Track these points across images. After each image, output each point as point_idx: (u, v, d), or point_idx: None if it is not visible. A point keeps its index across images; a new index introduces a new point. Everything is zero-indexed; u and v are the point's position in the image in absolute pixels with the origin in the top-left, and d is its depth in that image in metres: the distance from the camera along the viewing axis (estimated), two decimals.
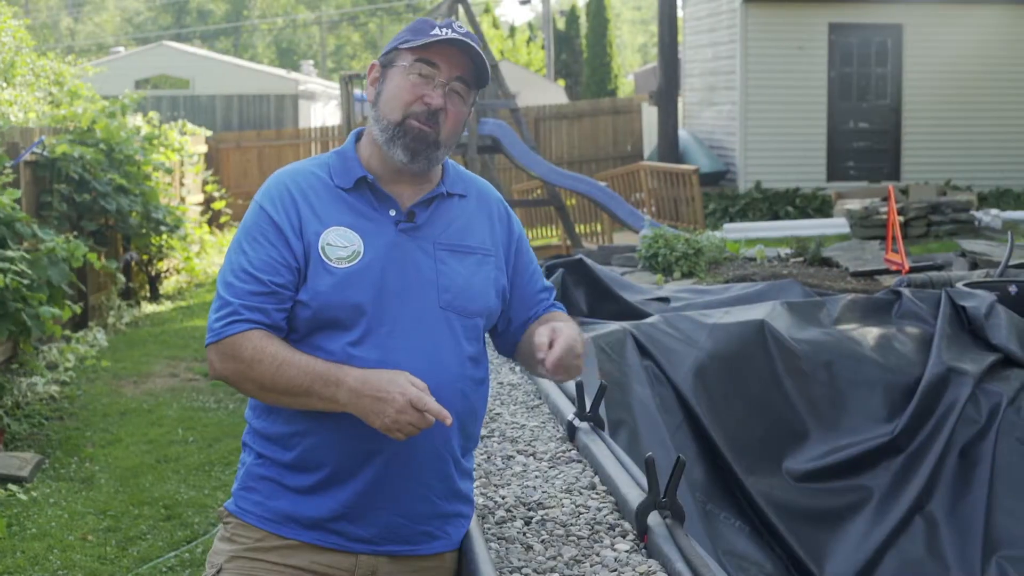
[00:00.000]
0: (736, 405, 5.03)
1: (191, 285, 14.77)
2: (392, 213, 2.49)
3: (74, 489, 6.63)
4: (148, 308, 12.90)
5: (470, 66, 2.49)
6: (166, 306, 13.24)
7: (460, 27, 2.51)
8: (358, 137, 2.60)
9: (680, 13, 20.88)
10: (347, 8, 60.29)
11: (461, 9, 14.77)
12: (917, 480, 4.95)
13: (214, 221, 18.21)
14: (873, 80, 19.06)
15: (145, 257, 13.23)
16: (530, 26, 50.05)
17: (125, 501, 6.41)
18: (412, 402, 2.28)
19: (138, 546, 5.75)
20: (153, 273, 13.63)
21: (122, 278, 11.88)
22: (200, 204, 17.53)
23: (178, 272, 14.55)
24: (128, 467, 7.03)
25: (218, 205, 17.55)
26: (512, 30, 44.99)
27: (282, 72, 31.11)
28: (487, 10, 42.16)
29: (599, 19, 35.76)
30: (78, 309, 8.49)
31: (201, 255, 15.28)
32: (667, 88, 18.80)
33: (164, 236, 12.98)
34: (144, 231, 12.44)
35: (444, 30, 2.47)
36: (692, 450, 4.80)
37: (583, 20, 39.37)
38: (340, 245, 2.42)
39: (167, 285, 14.12)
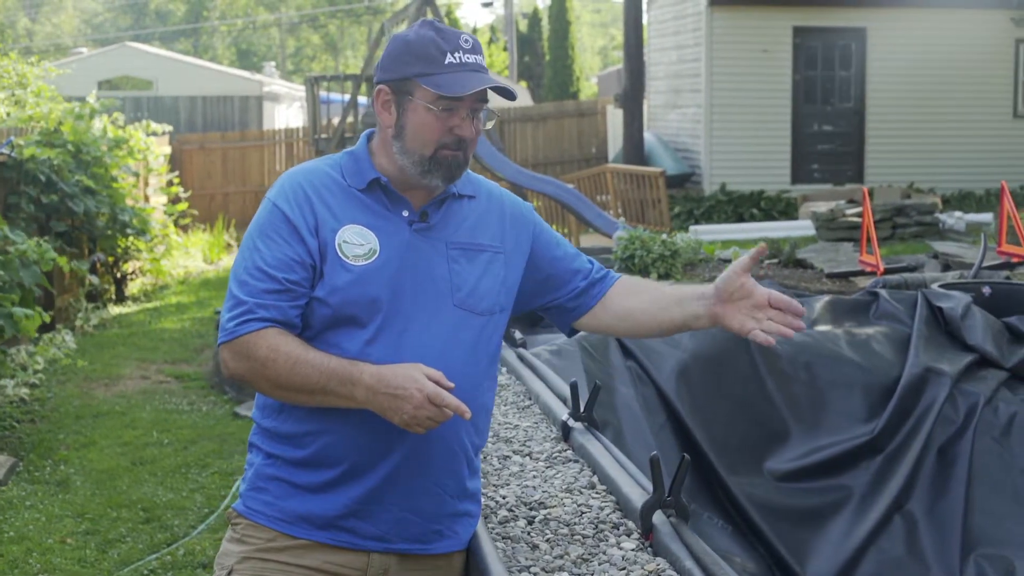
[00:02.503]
0: (718, 405, 5.04)
1: (156, 287, 14.68)
2: (405, 214, 2.49)
3: (50, 492, 6.58)
4: (115, 310, 12.81)
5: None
6: (132, 308, 13.15)
7: (468, 41, 2.45)
8: (369, 138, 2.59)
9: (645, 16, 20.95)
10: (307, 10, 60.04)
11: (429, 11, 14.75)
12: (896, 479, 4.98)
13: (176, 223, 18.08)
14: (837, 83, 19.20)
15: (111, 259, 13.14)
16: (492, 28, 50.05)
17: (102, 504, 6.36)
18: (429, 397, 2.28)
19: (118, 548, 5.71)
20: (119, 275, 13.55)
21: (93, 280, 11.80)
22: (165, 205, 17.40)
23: (144, 274, 14.46)
24: (104, 469, 6.98)
25: (182, 207, 17.43)
26: (474, 31, 44.99)
27: (246, 74, 30.88)
28: (448, 12, 42.14)
29: (561, 22, 35.85)
30: (47, 318, 8.37)
31: (167, 257, 15.18)
32: (632, 90, 18.86)
33: (131, 238, 12.90)
34: (111, 233, 12.37)
35: (458, 54, 2.42)
36: (675, 450, 4.79)
37: (545, 23, 39.45)
38: (357, 243, 2.43)
39: (133, 287, 14.03)
